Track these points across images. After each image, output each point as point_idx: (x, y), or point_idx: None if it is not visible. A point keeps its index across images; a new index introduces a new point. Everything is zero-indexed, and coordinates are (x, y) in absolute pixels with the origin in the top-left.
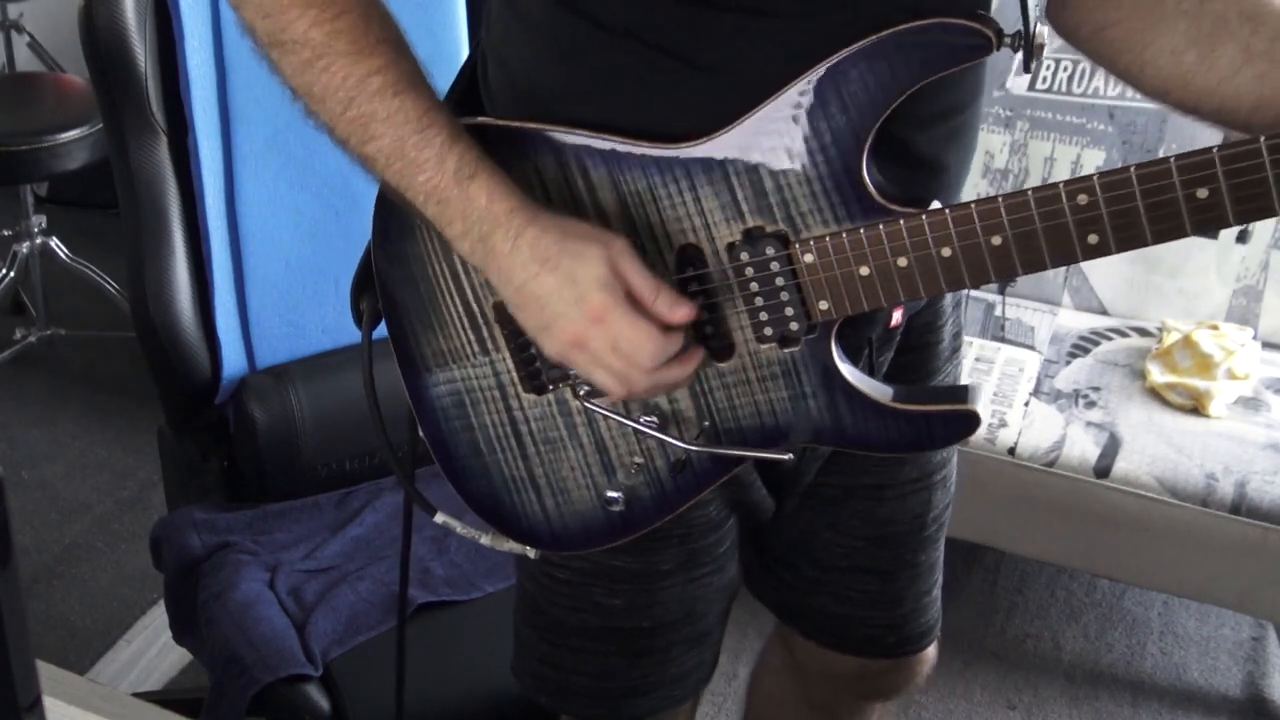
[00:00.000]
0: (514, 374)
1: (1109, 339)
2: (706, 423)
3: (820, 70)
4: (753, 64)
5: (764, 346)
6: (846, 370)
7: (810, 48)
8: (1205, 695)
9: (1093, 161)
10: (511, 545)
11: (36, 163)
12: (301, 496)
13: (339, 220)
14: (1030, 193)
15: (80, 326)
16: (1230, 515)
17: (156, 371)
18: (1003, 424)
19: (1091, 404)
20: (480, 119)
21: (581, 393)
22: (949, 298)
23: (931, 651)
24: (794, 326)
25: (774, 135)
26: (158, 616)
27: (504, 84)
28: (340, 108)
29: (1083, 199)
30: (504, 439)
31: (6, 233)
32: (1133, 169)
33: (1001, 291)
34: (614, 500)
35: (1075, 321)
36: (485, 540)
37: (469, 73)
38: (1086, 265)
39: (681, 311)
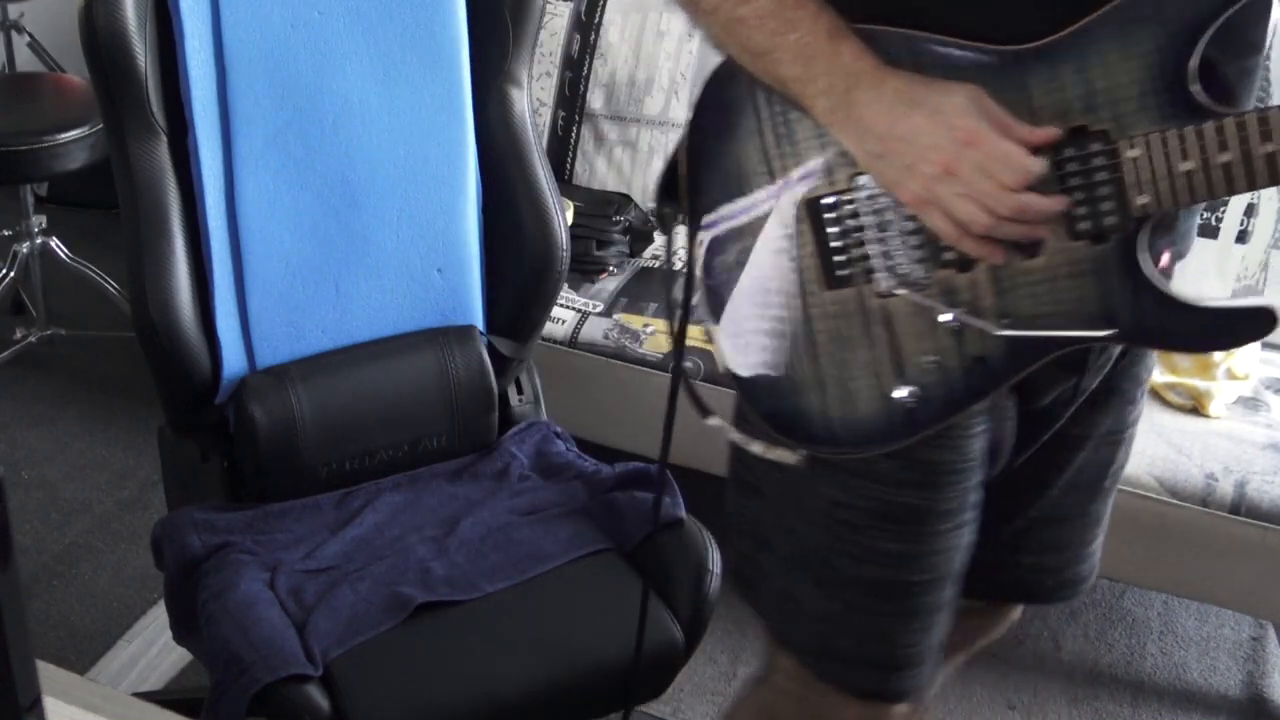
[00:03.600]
0: (816, 270)
1: None
2: (1006, 320)
3: None
4: None
5: (1075, 244)
6: (1150, 268)
7: None
8: (1205, 695)
9: None
10: (781, 453)
11: (36, 163)
12: (301, 496)
13: (339, 220)
14: None
15: (80, 326)
16: (1230, 515)
17: (157, 371)
18: None
19: None
20: None
21: (884, 287)
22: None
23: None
24: (1110, 221)
25: (1110, 38)
26: (158, 616)
27: None
28: None
29: None
30: (794, 336)
31: (6, 233)
32: None
33: None
34: (903, 399)
35: None
36: (756, 448)
37: None
38: None
39: (1045, 131)
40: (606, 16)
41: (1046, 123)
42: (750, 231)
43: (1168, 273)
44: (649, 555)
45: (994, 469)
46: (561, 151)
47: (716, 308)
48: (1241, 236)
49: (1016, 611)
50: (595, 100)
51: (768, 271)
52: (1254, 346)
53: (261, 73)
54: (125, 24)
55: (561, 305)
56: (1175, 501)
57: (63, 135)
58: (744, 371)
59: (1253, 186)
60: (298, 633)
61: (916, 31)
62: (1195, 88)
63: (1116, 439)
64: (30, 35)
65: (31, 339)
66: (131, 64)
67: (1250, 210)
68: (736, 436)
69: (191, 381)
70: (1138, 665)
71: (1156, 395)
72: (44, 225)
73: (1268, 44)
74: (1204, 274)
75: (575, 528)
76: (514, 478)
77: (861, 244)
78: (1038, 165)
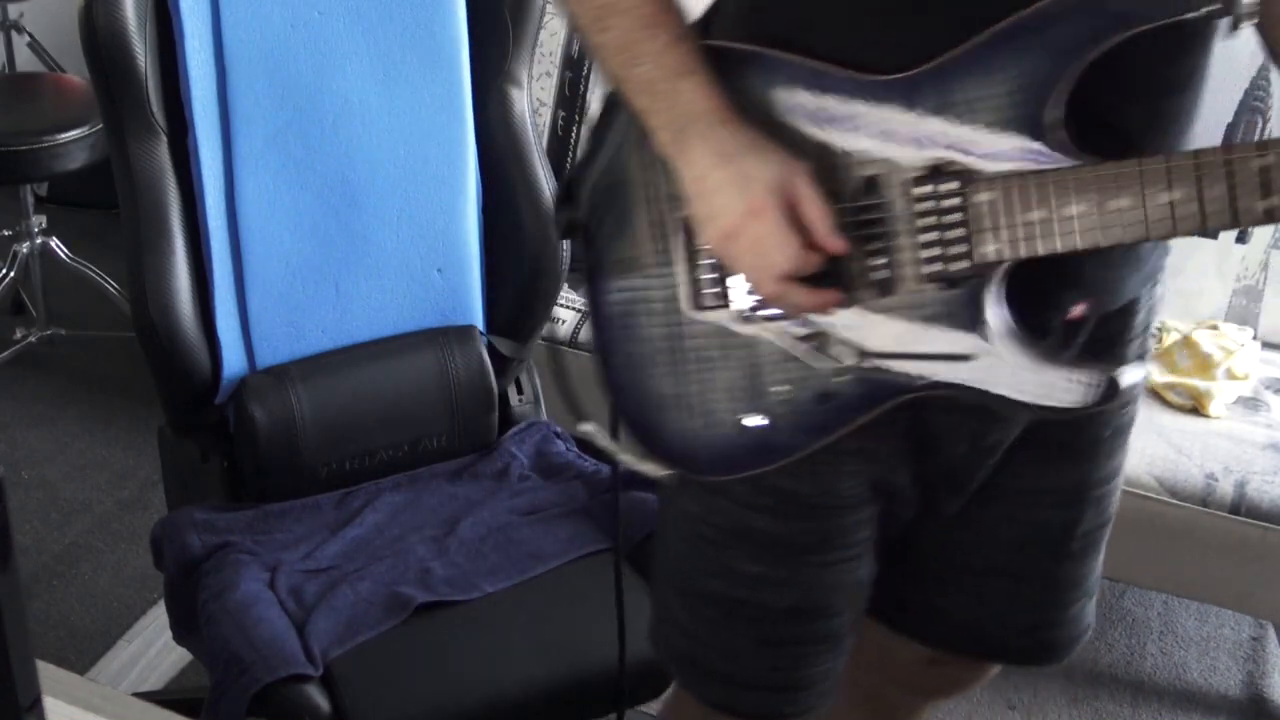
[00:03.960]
0: (686, 289)
1: None
2: (858, 356)
3: (1028, 12)
4: (973, 6)
5: (928, 286)
6: (999, 323)
7: None
8: (1205, 695)
9: None
10: (648, 467)
11: (36, 163)
12: (301, 496)
13: (339, 220)
14: (1218, 152)
15: (80, 326)
16: (1230, 515)
17: (157, 371)
18: None
19: None
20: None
21: (744, 311)
22: (1141, 314)
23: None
24: (958, 267)
25: (972, 73)
26: (158, 616)
27: (735, 8)
28: None
29: (1270, 159)
30: (662, 353)
31: (6, 233)
32: None
33: None
34: (755, 427)
35: None
36: (627, 459)
37: None
38: None
39: (836, 243)
40: None
41: (907, 158)
42: (631, 243)
43: (1081, 324)
44: (648, 555)
45: (900, 512)
46: (561, 151)
47: (597, 328)
48: (1241, 236)
49: (994, 667)
50: (595, 100)
51: (642, 283)
52: (1254, 346)
53: (261, 73)
54: (125, 24)
55: (561, 305)
56: (1175, 501)
57: (63, 135)
58: (616, 387)
59: (1099, 243)
60: (298, 633)
61: (790, 55)
62: (1058, 134)
63: (1079, 499)
64: (30, 35)
65: (31, 339)
66: (131, 64)
67: None
68: (610, 446)
69: (191, 381)
70: (1138, 665)
71: (1156, 395)
72: (44, 225)
73: (1194, 86)
74: (1204, 274)
75: (575, 528)
76: (514, 478)
77: (727, 265)
78: (807, 265)
